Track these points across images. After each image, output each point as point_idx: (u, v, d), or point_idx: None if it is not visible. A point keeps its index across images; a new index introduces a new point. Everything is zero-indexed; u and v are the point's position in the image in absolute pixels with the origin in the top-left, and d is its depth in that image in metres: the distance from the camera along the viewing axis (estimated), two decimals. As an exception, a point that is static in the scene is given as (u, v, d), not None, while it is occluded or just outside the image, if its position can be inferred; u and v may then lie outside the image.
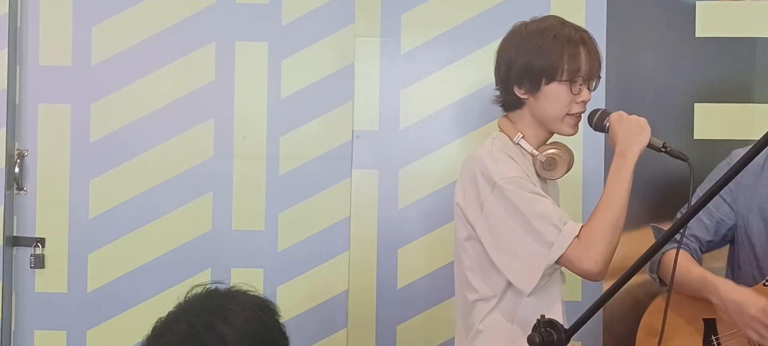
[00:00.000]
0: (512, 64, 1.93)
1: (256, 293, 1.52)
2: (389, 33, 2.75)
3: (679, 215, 2.28)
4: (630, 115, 1.94)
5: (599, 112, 1.99)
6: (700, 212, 2.17)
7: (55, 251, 2.79)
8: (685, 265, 2.15)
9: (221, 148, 2.79)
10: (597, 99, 2.61)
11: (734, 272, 2.26)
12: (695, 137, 2.70)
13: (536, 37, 1.91)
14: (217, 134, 2.79)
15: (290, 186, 2.78)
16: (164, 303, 2.68)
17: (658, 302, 2.28)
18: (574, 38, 1.90)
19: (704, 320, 2.18)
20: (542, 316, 1.46)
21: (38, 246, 2.79)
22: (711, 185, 2.16)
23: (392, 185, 2.75)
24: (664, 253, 2.19)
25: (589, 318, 1.45)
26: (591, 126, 2.00)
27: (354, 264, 2.76)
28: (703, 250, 2.26)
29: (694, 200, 2.12)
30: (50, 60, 2.80)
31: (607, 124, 1.95)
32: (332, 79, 2.78)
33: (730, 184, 2.14)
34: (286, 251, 2.79)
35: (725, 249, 2.32)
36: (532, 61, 1.90)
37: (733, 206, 2.21)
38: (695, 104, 2.71)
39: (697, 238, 2.23)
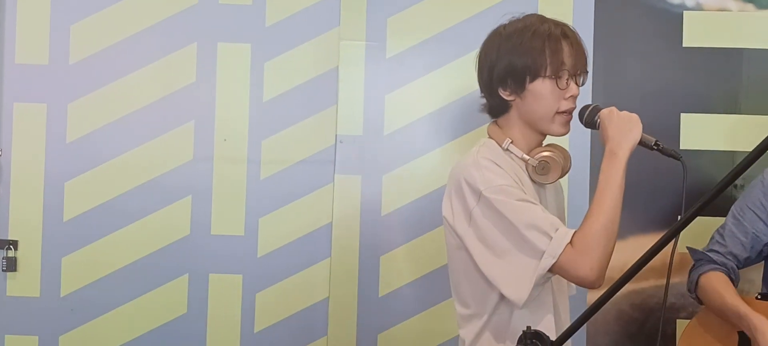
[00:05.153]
0: (494, 66, 1.87)
1: None
2: (374, 37, 2.71)
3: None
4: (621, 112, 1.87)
5: (590, 108, 1.91)
6: (736, 230, 2.24)
7: (27, 254, 2.73)
8: (719, 291, 2.18)
9: (201, 151, 2.73)
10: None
11: None
12: (681, 147, 2.68)
13: (516, 36, 1.85)
14: (198, 137, 2.73)
15: (271, 190, 2.73)
16: (139, 309, 2.70)
17: (693, 324, 2.30)
18: (554, 33, 1.84)
19: (739, 332, 2.20)
20: (528, 327, 1.42)
21: (11, 249, 2.72)
22: (744, 203, 2.23)
23: (375, 190, 2.71)
24: (700, 274, 2.24)
25: (577, 329, 1.41)
26: (581, 122, 1.93)
27: (335, 271, 2.71)
28: (740, 266, 2.28)
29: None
30: (26, 58, 2.74)
31: (598, 120, 1.88)
32: (316, 83, 2.73)
33: (764, 201, 2.21)
34: (266, 256, 2.74)
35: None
36: (513, 61, 1.84)
37: (767, 221, 2.23)
38: (682, 114, 2.70)
39: (734, 255, 2.26)
